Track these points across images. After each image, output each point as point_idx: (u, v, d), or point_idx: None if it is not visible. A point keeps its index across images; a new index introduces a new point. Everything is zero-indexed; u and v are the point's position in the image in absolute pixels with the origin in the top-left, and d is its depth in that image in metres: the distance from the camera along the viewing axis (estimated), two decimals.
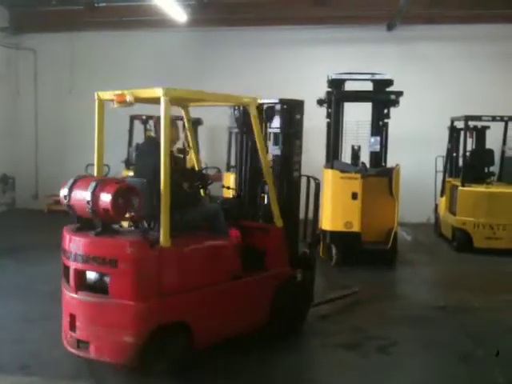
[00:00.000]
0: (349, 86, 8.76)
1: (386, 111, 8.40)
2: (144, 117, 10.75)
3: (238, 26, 12.19)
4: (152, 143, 4.89)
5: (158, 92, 4.29)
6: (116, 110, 4.60)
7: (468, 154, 9.81)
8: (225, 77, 11.67)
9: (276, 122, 5.63)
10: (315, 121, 7.49)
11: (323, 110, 8.63)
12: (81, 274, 4.32)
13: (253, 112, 5.04)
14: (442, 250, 9.60)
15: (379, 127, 8.49)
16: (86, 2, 12.24)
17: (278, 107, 5.56)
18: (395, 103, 8.26)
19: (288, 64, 12.09)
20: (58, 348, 4.73)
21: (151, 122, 9.40)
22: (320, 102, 8.55)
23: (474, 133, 10.32)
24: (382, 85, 8.47)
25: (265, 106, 5.45)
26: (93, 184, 4.19)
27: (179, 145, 8.71)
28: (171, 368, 4.36)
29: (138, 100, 4.54)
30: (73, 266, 4.32)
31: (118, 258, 4.12)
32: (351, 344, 5.18)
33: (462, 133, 9.76)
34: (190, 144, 5.87)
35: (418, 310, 6.27)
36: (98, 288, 4.25)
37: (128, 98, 4.39)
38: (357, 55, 11.50)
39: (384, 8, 11.27)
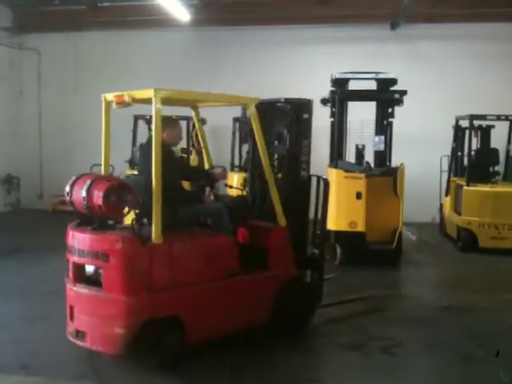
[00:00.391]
0: (353, 85, 8.72)
1: (390, 110, 8.37)
2: (148, 116, 10.69)
3: (240, 25, 12.20)
4: None
5: (149, 93, 4.41)
6: (121, 110, 4.69)
7: (473, 153, 9.78)
8: (228, 76, 11.69)
9: (283, 122, 5.59)
10: (320, 120, 7.47)
11: (327, 110, 8.59)
12: (79, 268, 4.50)
13: (251, 112, 5.05)
14: (447, 250, 9.56)
15: (383, 126, 8.46)
16: (90, 1, 12.28)
17: (284, 106, 5.52)
18: (399, 102, 8.23)
19: (291, 63, 12.05)
20: (58, 348, 4.77)
21: None
22: (324, 102, 8.50)
23: (479, 132, 10.28)
24: (386, 84, 8.42)
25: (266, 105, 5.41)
26: (88, 182, 4.35)
27: (183, 144, 8.70)
28: (164, 361, 4.43)
29: (136, 100, 4.61)
30: (72, 259, 4.53)
31: (109, 252, 4.26)
32: (355, 344, 5.15)
33: (467, 132, 9.71)
34: (202, 144, 5.85)
35: (422, 310, 6.23)
36: (94, 281, 4.40)
37: (126, 99, 4.51)
38: (360, 54, 11.47)
39: (387, 7, 11.28)
